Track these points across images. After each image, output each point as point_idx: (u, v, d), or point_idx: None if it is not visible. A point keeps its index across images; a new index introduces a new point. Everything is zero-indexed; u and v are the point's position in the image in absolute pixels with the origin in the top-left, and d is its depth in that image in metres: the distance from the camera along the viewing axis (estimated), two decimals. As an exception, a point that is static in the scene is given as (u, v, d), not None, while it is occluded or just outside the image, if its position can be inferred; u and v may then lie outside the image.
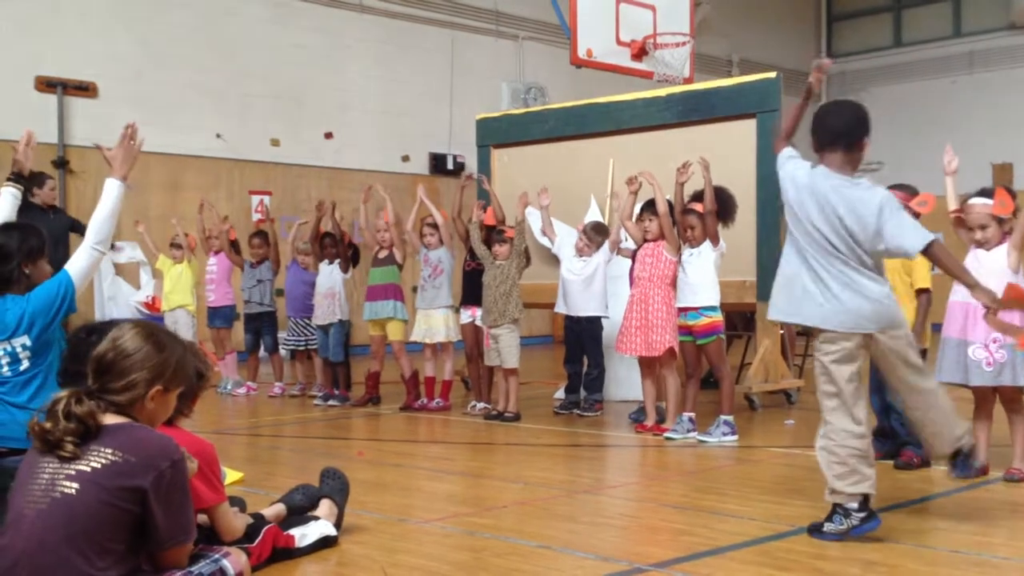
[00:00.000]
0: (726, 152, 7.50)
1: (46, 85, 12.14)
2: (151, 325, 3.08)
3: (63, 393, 2.82)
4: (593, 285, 7.56)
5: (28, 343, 4.06)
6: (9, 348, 4.07)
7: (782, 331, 8.34)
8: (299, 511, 4.05)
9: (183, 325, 9.47)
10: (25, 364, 4.08)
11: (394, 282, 8.39)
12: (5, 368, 4.07)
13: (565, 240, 7.86)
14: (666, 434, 6.67)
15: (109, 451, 2.75)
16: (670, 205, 6.84)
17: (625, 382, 8.39)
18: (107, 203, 4.13)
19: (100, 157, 8.31)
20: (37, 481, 2.77)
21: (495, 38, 16.39)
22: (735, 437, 6.50)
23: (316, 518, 3.96)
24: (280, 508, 3.99)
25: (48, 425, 2.76)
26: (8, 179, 4.63)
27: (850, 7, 21.66)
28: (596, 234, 7.61)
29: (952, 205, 5.36)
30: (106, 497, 2.71)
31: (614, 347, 7.30)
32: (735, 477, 5.57)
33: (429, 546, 4.11)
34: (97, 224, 4.14)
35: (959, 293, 5.16)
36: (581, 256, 7.59)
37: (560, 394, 8.31)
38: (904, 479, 5.25)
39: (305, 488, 4.16)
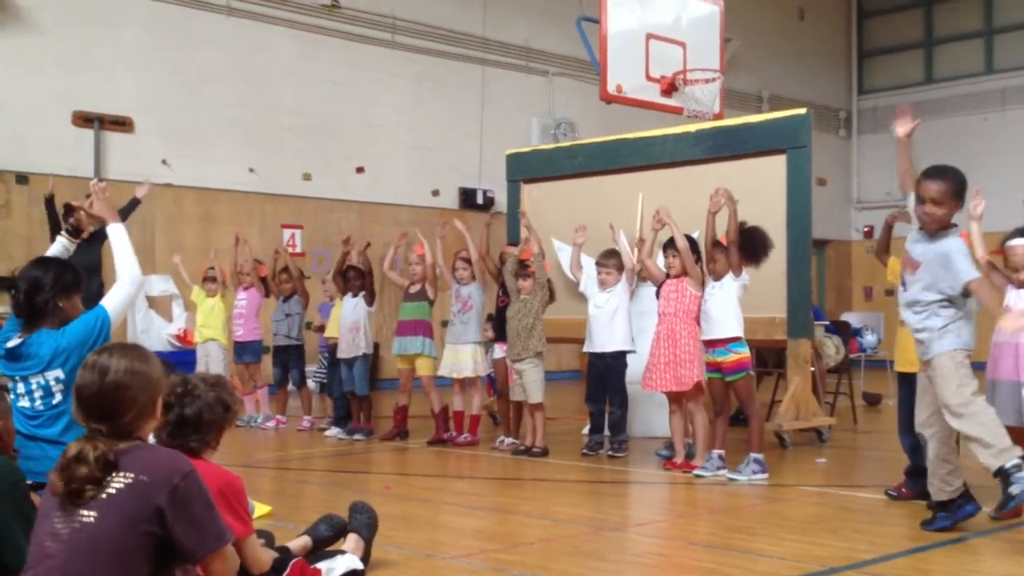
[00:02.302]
0: (756, 188, 7.48)
1: (84, 120, 12.34)
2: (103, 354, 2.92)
3: (73, 448, 2.79)
4: (616, 319, 7.48)
5: (62, 376, 4.11)
6: (43, 381, 4.11)
7: (813, 368, 8.26)
8: (325, 542, 4.05)
9: (215, 358, 9.51)
10: (58, 397, 4.11)
11: (424, 318, 8.42)
12: (38, 402, 4.12)
13: (592, 277, 7.81)
14: (695, 471, 6.61)
15: (121, 475, 2.75)
16: (691, 240, 6.84)
17: (652, 419, 8.33)
18: (122, 245, 4.36)
19: (137, 190, 8.38)
20: (57, 514, 2.77)
21: (525, 74, 16.49)
22: (765, 475, 6.44)
23: (343, 552, 3.95)
24: (305, 541, 4.00)
25: (64, 479, 2.74)
26: (65, 230, 4.81)
27: (881, 43, 21.63)
28: (608, 258, 7.53)
29: (979, 250, 5.18)
30: (125, 521, 2.71)
31: (640, 384, 7.24)
32: (765, 516, 5.51)
33: (456, 582, 4.09)
34: (124, 265, 4.31)
35: (1006, 333, 5.05)
36: (605, 288, 7.55)
37: (587, 431, 8.25)
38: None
39: (329, 519, 4.16)
